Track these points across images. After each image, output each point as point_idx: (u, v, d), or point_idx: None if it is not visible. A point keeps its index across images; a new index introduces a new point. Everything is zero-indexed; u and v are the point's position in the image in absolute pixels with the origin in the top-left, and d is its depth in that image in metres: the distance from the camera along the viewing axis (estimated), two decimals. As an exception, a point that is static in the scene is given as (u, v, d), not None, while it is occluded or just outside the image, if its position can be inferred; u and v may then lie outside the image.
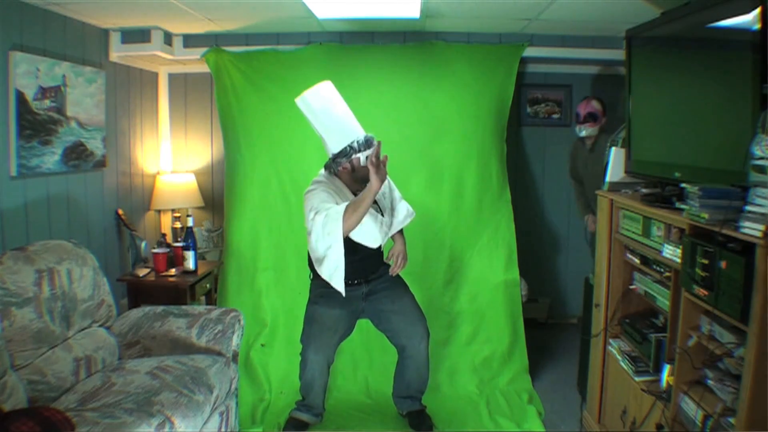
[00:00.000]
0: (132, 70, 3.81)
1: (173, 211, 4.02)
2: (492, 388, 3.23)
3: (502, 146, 3.63)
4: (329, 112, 2.50)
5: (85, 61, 3.21)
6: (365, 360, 3.35)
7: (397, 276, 2.78)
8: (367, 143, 2.51)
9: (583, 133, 3.64)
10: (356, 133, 2.51)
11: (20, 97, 2.67)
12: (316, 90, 2.50)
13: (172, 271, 3.40)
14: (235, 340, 2.61)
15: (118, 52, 3.51)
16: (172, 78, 4.22)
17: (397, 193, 2.75)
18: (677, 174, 2.12)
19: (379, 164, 2.29)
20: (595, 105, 3.59)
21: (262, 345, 3.40)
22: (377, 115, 3.48)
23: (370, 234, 2.56)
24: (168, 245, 3.55)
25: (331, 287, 2.64)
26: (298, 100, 2.51)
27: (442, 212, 3.52)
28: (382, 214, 2.66)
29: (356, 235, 2.49)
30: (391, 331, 2.78)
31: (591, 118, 3.57)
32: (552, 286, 4.43)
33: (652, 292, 2.29)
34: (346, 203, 2.37)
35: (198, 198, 4.09)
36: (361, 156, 2.51)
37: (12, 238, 2.66)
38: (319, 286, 2.68)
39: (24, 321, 2.09)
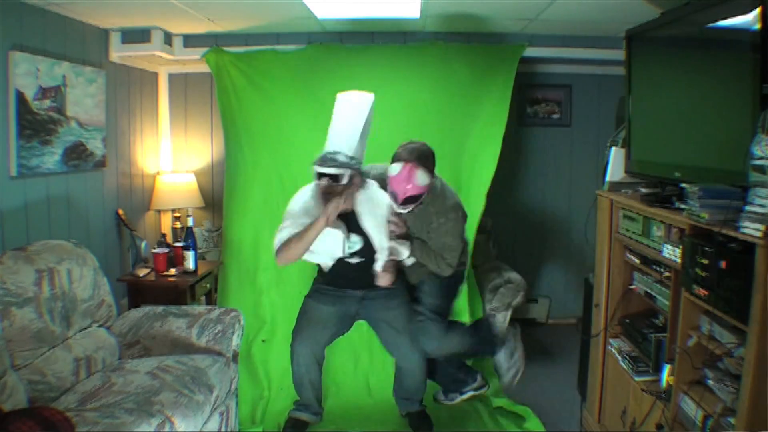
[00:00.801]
0: (132, 70, 3.81)
1: (173, 211, 4.02)
2: (491, 388, 3.22)
3: (497, 147, 3.58)
4: (336, 119, 2.57)
5: (85, 61, 3.21)
6: (366, 358, 3.35)
7: (401, 286, 2.77)
8: (322, 160, 2.47)
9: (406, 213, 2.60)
10: (331, 146, 2.51)
11: (20, 97, 2.67)
12: (348, 95, 2.59)
13: (172, 271, 3.40)
14: (235, 340, 2.61)
15: (118, 52, 3.51)
16: (172, 78, 4.22)
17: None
18: (677, 174, 2.12)
19: (331, 204, 2.38)
20: (418, 181, 2.48)
21: (263, 341, 3.40)
22: (376, 115, 3.46)
23: (325, 255, 2.60)
24: (168, 245, 3.54)
25: (329, 284, 2.70)
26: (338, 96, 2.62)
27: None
28: (370, 244, 2.62)
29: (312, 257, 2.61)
30: (382, 339, 2.81)
31: (412, 201, 2.52)
32: (552, 286, 4.43)
33: (652, 292, 2.29)
34: (291, 233, 2.47)
35: (198, 198, 4.10)
36: (315, 168, 2.48)
37: (12, 238, 2.66)
38: (318, 281, 2.72)
39: (24, 321, 2.09)
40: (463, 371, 3.00)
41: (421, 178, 2.47)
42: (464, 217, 2.70)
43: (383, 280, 2.62)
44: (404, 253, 2.64)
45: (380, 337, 2.82)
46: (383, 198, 2.63)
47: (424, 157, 2.51)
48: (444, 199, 2.63)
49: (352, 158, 2.48)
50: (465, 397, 2.99)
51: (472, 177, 3.52)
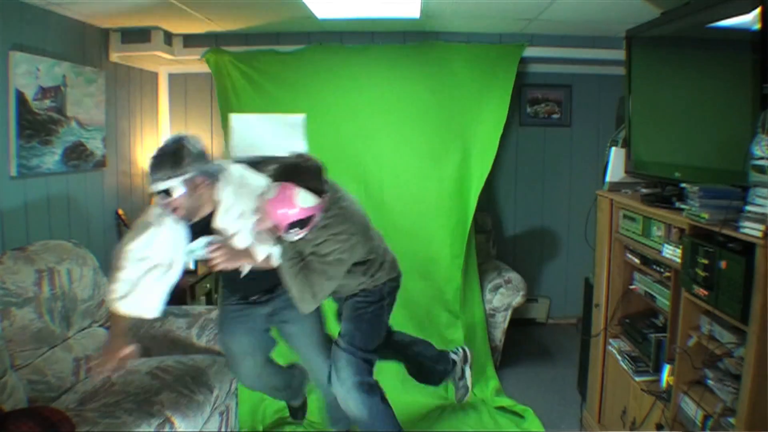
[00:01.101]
0: (132, 70, 3.81)
1: (173, 211, 4.02)
2: (491, 388, 3.23)
3: (493, 148, 3.57)
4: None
5: (85, 61, 3.21)
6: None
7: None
8: (150, 173, 2.02)
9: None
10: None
11: (20, 97, 2.67)
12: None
13: (172, 271, 3.39)
14: (235, 340, 2.61)
15: (118, 52, 3.51)
16: (172, 78, 4.22)
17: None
18: (677, 174, 2.13)
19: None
20: (300, 202, 1.99)
21: None
22: (376, 115, 3.48)
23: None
24: (168, 245, 3.54)
25: (231, 305, 2.40)
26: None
27: (443, 209, 3.52)
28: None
29: None
30: (300, 358, 2.55)
31: (299, 225, 2.04)
32: (552, 286, 4.43)
33: (652, 292, 2.29)
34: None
35: (198, 198, 4.09)
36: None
37: (12, 238, 2.66)
38: (222, 304, 2.45)
39: (24, 321, 2.09)
40: (440, 362, 2.67)
41: (303, 199, 1.98)
42: (364, 243, 2.19)
43: (214, 254, 2.05)
44: (259, 256, 2.14)
45: (297, 355, 2.53)
46: (252, 182, 2.14)
47: (306, 175, 2.04)
48: (342, 218, 2.13)
49: (183, 159, 1.97)
50: (467, 378, 2.69)
51: (471, 178, 3.53)
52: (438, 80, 3.55)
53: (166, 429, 1.94)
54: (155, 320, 2.62)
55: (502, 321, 3.53)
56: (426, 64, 3.55)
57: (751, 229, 1.55)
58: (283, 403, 3.03)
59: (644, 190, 2.30)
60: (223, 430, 2.44)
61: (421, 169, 3.54)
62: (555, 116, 4.34)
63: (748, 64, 1.73)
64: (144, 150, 3.97)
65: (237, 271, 2.19)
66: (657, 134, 2.41)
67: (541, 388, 3.31)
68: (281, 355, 2.60)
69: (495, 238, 4.10)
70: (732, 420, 1.67)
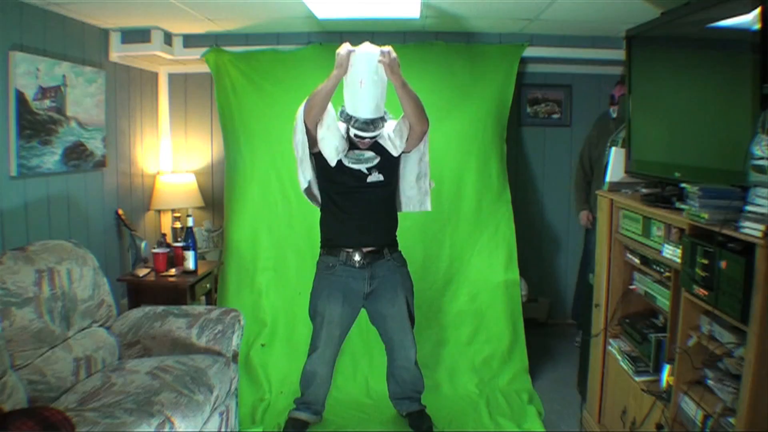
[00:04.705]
0: (132, 70, 3.81)
1: (173, 211, 4.03)
2: (492, 388, 3.23)
3: (502, 146, 3.63)
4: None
5: (85, 61, 3.21)
6: (365, 360, 3.35)
7: (398, 268, 2.73)
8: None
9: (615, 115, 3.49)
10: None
11: (20, 97, 2.67)
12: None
13: (172, 271, 3.40)
14: (235, 340, 2.61)
15: (118, 52, 3.51)
16: (172, 78, 4.22)
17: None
18: (677, 174, 2.12)
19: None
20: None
21: (263, 345, 3.39)
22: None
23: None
24: (168, 245, 3.55)
25: (333, 275, 2.65)
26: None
27: (442, 212, 3.52)
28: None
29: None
30: (385, 335, 2.81)
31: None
32: (552, 286, 4.43)
33: (652, 292, 2.29)
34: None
35: (198, 198, 4.10)
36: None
37: (12, 238, 2.66)
38: (321, 270, 2.70)
39: (24, 321, 2.09)
40: None
41: None
42: None
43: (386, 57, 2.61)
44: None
45: (382, 333, 2.81)
46: None
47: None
48: None
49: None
50: None
51: (474, 180, 3.53)
52: (438, 80, 3.55)
53: (166, 429, 1.94)
54: (155, 320, 2.62)
55: (501, 321, 3.52)
56: (426, 64, 3.55)
57: (751, 229, 1.55)
58: (283, 404, 3.03)
59: (644, 190, 2.30)
60: (223, 430, 2.44)
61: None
62: (555, 116, 4.34)
63: (748, 64, 1.73)
64: (144, 150, 3.98)
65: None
66: (657, 134, 2.41)
67: (541, 388, 3.31)
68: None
69: (495, 238, 4.10)
70: (732, 420, 1.66)
